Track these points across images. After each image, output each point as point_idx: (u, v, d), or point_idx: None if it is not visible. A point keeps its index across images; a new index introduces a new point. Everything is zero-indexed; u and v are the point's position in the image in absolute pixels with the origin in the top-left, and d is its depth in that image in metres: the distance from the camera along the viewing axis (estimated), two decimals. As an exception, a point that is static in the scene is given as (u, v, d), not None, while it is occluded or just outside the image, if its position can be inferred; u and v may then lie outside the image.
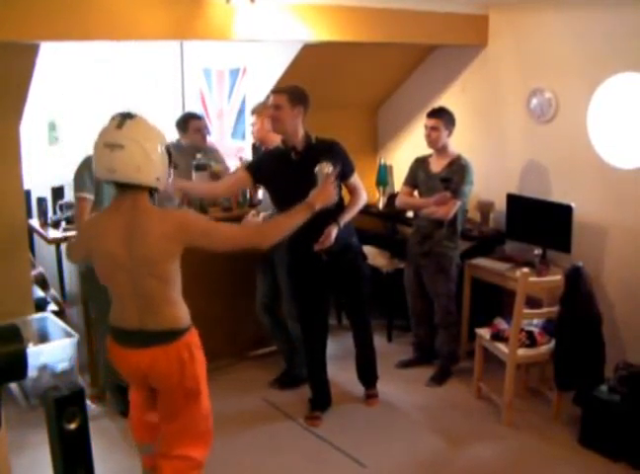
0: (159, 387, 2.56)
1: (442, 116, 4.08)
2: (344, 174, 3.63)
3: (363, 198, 3.73)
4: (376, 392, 4.04)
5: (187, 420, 2.57)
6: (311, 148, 3.55)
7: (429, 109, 4.25)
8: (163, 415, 2.60)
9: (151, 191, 2.48)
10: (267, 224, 2.62)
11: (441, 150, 4.13)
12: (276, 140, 3.90)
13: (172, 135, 4.81)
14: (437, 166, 4.15)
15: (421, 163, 4.25)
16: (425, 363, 4.44)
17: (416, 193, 4.31)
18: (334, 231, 3.53)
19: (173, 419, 2.57)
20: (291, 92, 3.50)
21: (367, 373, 4.03)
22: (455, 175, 4.04)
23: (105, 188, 3.54)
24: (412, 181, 4.28)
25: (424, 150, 4.25)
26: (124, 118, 2.40)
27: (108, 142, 2.37)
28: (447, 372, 4.30)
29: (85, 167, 3.52)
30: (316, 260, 3.57)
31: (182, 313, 2.53)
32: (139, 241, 2.42)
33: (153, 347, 2.47)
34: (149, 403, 2.66)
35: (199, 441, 2.61)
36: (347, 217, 3.64)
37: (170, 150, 2.51)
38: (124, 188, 2.45)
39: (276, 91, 3.58)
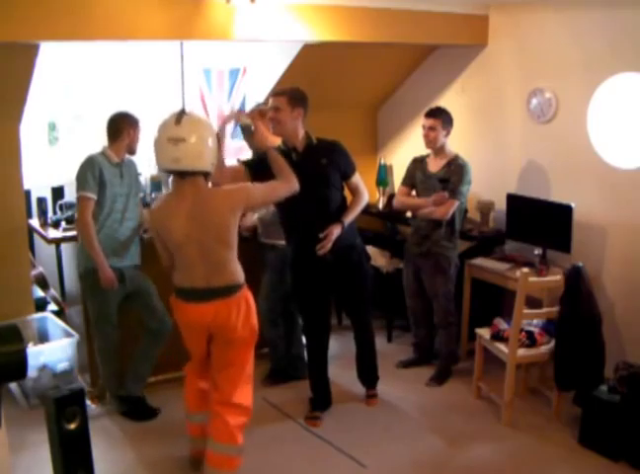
0: (219, 336, 3.01)
1: (440, 115, 4.07)
2: (345, 173, 3.65)
3: (365, 198, 3.73)
4: (377, 392, 4.04)
5: (239, 367, 3.05)
6: (312, 149, 3.57)
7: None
8: (219, 363, 3.07)
9: (205, 175, 2.92)
10: (285, 174, 3.16)
11: (439, 150, 4.12)
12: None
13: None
14: (434, 166, 4.15)
15: (419, 163, 4.25)
16: (425, 363, 4.44)
17: (414, 192, 4.31)
18: (336, 230, 3.54)
19: (228, 366, 3.04)
20: (291, 94, 3.50)
21: (368, 373, 4.03)
22: (453, 175, 4.04)
23: (107, 188, 3.53)
24: (410, 181, 4.28)
25: (424, 150, 4.25)
26: (180, 115, 2.81)
27: (171, 137, 2.77)
28: (448, 372, 4.30)
29: (88, 166, 3.51)
30: (320, 259, 3.57)
31: (239, 271, 3.01)
32: (208, 217, 2.87)
33: (217, 300, 2.93)
34: (204, 367, 3.16)
35: (248, 389, 3.11)
36: (350, 216, 3.64)
37: (219, 137, 3.04)
38: (184, 176, 2.86)
39: (275, 93, 3.58)
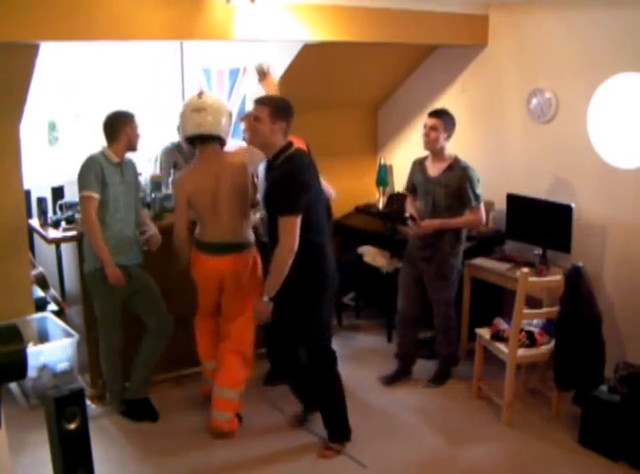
0: (230, 286, 3.53)
1: (443, 117, 3.99)
2: (276, 208, 3.15)
3: (282, 254, 3.10)
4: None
5: (247, 317, 3.49)
6: (270, 168, 3.25)
7: (429, 109, 4.24)
8: (230, 313, 3.60)
9: (220, 143, 3.52)
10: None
11: (438, 153, 4.01)
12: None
13: (173, 137, 4.81)
14: (434, 170, 4.04)
15: (418, 165, 4.17)
16: (408, 375, 4.30)
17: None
18: (265, 311, 3.19)
19: (238, 315, 3.56)
20: (275, 105, 3.19)
21: None
22: (461, 182, 3.93)
23: (109, 187, 3.53)
24: (411, 186, 4.21)
25: (423, 150, 4.24)
26: (200, 92, 3.56)
27: (194, 108, 3.41)
28: (447, 374, 4.28)
29: (89, 166, 3.50)
30: None
31: (249, 232, 3.59)
32: (230, 176, 3.45)
33: (231, 253, 3.50)
34: (213, 317, 3.70)
35: (250, 341, 3.63)
36: (272, 287, 3.16)
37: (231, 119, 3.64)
38: (205, 142, 3.45)
39: (258, 101, 3.26)
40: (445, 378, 4.27)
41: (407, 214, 4.11)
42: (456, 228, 4.02)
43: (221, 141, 3.52)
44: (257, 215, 4.03)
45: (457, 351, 4.36)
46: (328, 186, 3.70)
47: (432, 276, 4.09)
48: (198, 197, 3.49)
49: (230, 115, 3.53)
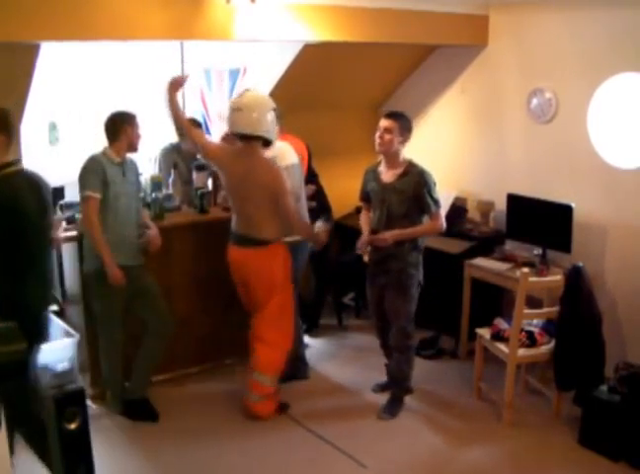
0: (250, 279, 3.65)
1: (399, 119, 3.68)
2: None
3: None
4: None
5: (269, 310, 3.67)
6: None
7: (429, 109, 4.23)
8: (254, 305, 3.74)
9: (264, 141, 3.56)
10: (305, 225, 3.77)
11: (392, 158, 3.71)
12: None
13: (172, 138, 4.80)
14: (388, 176, 3.74)
15: (371, 173, 3.87)
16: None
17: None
18: None
19: (260, 309, 3.70)
20: None
21: None
22: (418, 187, 3.63)
23: (111, 187, 3.53)
24: (366, 196, 3.93)
25: (423, 150, 4.23)
26: (244, 91, 3.58)
27: (233, 106, 3.52)
28: (401, 402, 3.94)
29: (91, 166, 3.50)
30: None
31: (270, 232, 3.61)
32: (250, 182, 3.52)
33: (249, 247, 3.62)
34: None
35: (281, 330, 3.74)
36: None
37: (278, 112, 3.59)
38: (242, 139, 3.55)
39: None
40: (400, 407, 3.91)
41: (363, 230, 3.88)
42: (415, 237, 3.73)
43: (263, 140, 3.55)
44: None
45: (411, 378, 3.96)
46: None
47: (392, 287, 3.77)
48: (226, 176, 3.66)
49: (275, 109, 3.55)
